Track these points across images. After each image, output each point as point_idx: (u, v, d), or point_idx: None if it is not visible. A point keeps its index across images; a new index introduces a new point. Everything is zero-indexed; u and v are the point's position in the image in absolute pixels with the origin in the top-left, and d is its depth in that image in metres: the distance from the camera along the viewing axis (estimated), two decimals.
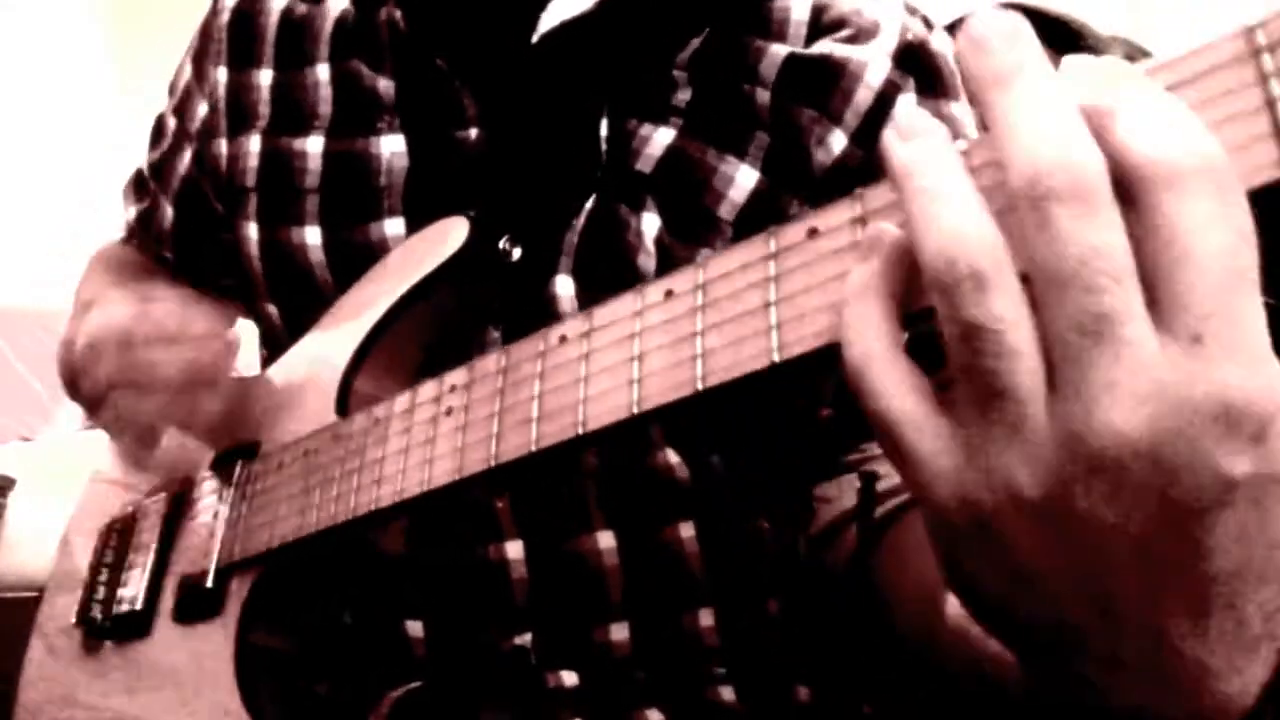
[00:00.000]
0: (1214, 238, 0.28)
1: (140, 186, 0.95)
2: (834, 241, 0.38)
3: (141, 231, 0.95)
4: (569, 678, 0.69)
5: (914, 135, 0.32)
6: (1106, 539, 0.30)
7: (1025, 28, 0.30)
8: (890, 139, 0.33)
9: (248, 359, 0.84)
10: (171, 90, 0.92)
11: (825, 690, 0.74)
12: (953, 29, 1.09)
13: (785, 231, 0.40)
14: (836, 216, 0.38)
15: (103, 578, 0.76)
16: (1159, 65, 0.31)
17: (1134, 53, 1.10)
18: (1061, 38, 1.10)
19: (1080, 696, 0.33)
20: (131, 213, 0.96)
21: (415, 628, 0.69)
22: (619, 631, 0.69)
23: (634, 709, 0.69)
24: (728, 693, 0.71)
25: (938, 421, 0.32)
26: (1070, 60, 0.31)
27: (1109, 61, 0.31)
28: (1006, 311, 0.29)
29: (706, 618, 0.71)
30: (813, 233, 0.39)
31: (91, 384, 0.70)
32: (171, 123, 0.91)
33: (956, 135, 0.69)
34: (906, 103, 0.71)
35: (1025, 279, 0.30)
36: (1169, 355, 0.28)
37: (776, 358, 0.38)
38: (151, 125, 0.94)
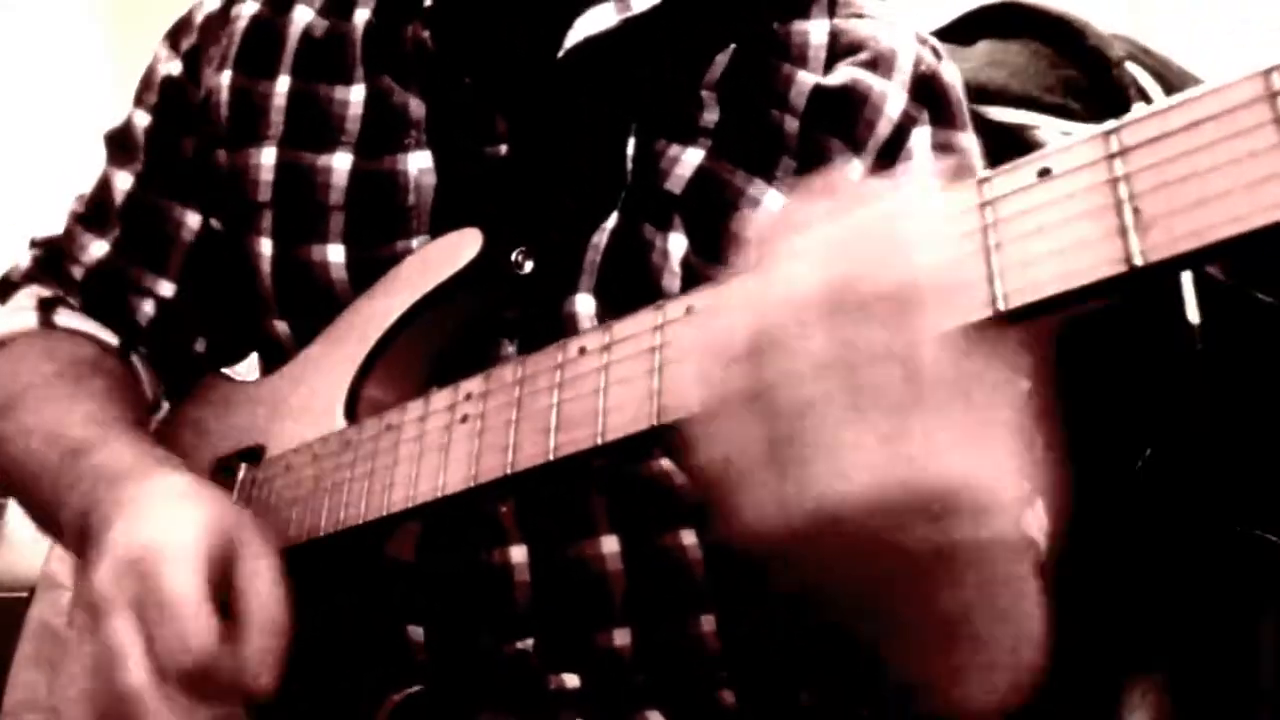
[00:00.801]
0: (931, 345, 0.35)
1: (102, 217, 0.83)
2: None
3: (122, 262, 0.81)
4: (571, 680, 0.70)
5: (765, 234, 0.40)
6: (848, 577, 0.38)
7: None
8: (748, 233, 0.40)
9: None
10: (146, 86, 0.84)
11: (826, 694, 0.76)
12: (949, 32, 1.10)
13: None
14: None
15: None
16: (1181, 101, 0.33)
17: (1135, 51, 1.11)
18: (1063, 37, 1.11)
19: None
20: (100, 249, 0.82)
21: (417, 633, 0.70)
22: (621, 637, 0.70)
23: (635, 710, 0.70)
24: (729, 695, 0.73)
25: (750, 466, 0.38)
26: (877, 184, 0.40)
27: (909, 187, 0.39)
28: (790, 378, 0.36)
29: (709, 623, 0.72)
30: None
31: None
32: (145, 120, 0.82)
33: (965, 165, 0.72)
34: (922, 135, 0.73)
35: None
36: (899, 438, 0.34)
37: None
38: (116, 134, 0.84)
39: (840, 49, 0.74)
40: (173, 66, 0.82)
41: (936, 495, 0.34)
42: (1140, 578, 0.94)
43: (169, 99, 0.82)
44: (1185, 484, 0.93)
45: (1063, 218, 0.35)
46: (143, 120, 0.83)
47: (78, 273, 0.82)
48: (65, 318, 0.82)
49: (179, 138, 0.81)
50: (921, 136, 0.73)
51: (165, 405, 0.84)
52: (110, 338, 0.82)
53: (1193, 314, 0.91)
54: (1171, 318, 0.90)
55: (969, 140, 0.75)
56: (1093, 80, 1.06)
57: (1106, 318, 0.90)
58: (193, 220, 0.81)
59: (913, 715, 0.43)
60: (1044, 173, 0.36)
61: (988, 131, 0.84)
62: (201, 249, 0.80)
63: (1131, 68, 1.11)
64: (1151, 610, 0.93)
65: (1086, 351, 0.90)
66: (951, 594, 0.36)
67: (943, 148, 0.73)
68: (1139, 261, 0.33)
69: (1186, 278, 0.91)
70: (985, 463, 0.35)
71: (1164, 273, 0.33)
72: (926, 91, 0.74)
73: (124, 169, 0.83)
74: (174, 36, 0.84)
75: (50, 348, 0.79)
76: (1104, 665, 0.93)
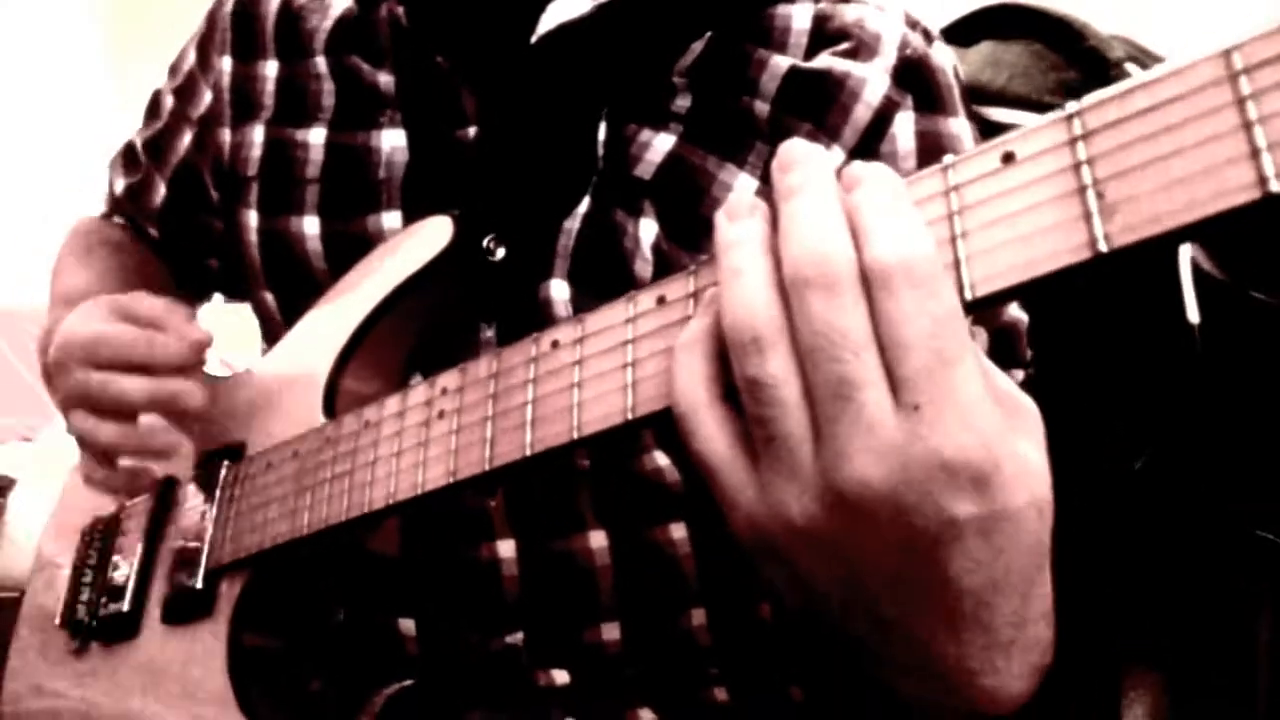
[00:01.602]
0: (916, 325, 0.34)
1: (131, 159, 0.96)
2: None
3: (129, 204, 0.95)
4: (560, 676, 0.70)
5: (738, 217, 0.39)
6: (865, 565, 0.36)
7: (818, 153, 0.38)
8: (720, 220, 0.40)
9: (235, 351, 0.85)
10: (173, 71, 0.92)
11: (816, 690, 0.76)
12: (950, 32, 1.10)
13: None
14: None
15: (87, 578, 0.77)
16: (1143, 83, 0.33)
17: (1135, 52, 1.11)
18: (1063, 38, 1.11)
19: (869, 690, 0.41)
20: (120, 185, 0.96)
21: (407, 626, 0.70)
22: (610, 631, 0.70)
23: (626, 709, 0.70)
24: (721, 693, 0.73)
25: (743, 462, 0.38)
26: (854, 166, 0.38)
27: (879, 169, 0.38)
28: (779, 371, 0.36)
29: (698, 617, 0.72)
30: None
31: (58, 396, 0.74)
32: (169, 101, 0.91)
33: (955, 151, 0.72)
34: (905, 121, 0.72)
35: None
36: (899, 419, 0.34)
37: None
38: (153, 98, 0.95)
39: (825, 34, 0.74)
40: (191, 55, 0.90)
41: (952, 467, 0.34)
42: (1139, 577, 0.93)
43: (183, 91, 0.90)
44: (1185, 484, 0.92)
45: (1026, 204, 0.35)
46: (169, 100, 0.92)
47: (114, 196, 0.98)
48: (119, 215, 0.99)
49: (182, 125, 0.90)
50: (904, 123, 0.72)
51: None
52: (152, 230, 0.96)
53: (1192, 314, 0.90)
54: (1171, 318, 0.90)
55: (959, 126, 0.74)
56: (1092, 82, 1.06)
57: (1105, 317, 0.90)
58: (161, 191, 0.92)
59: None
60: (1007, 158, 0.35)
61: (987, 132, 0.83)
62: (166, 217, 0.93)
63: (1131, 69, 1.11)
64: (1150, 610, 0.93)
65: (1086, 351, 0.90)
66: (966, 566, 0.35)
67: (927, 134, 0.72)
68: (1103, 248, 0.33)
69: (1186, 279, 0.90)
70: (995, 429, 0.35)
71: (1130, 258, 0.32)
72: (912, 76, 0.73)
73: (144, 131, 0.95)
74: (197, 31, 0.91)
75: (97, 228, 0.98)
76: (1102, 664, 0.92)
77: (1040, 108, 1.04)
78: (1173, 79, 0.32)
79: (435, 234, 0.66)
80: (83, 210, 1.02)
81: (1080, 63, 1.10)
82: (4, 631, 0.82)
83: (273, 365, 0.75)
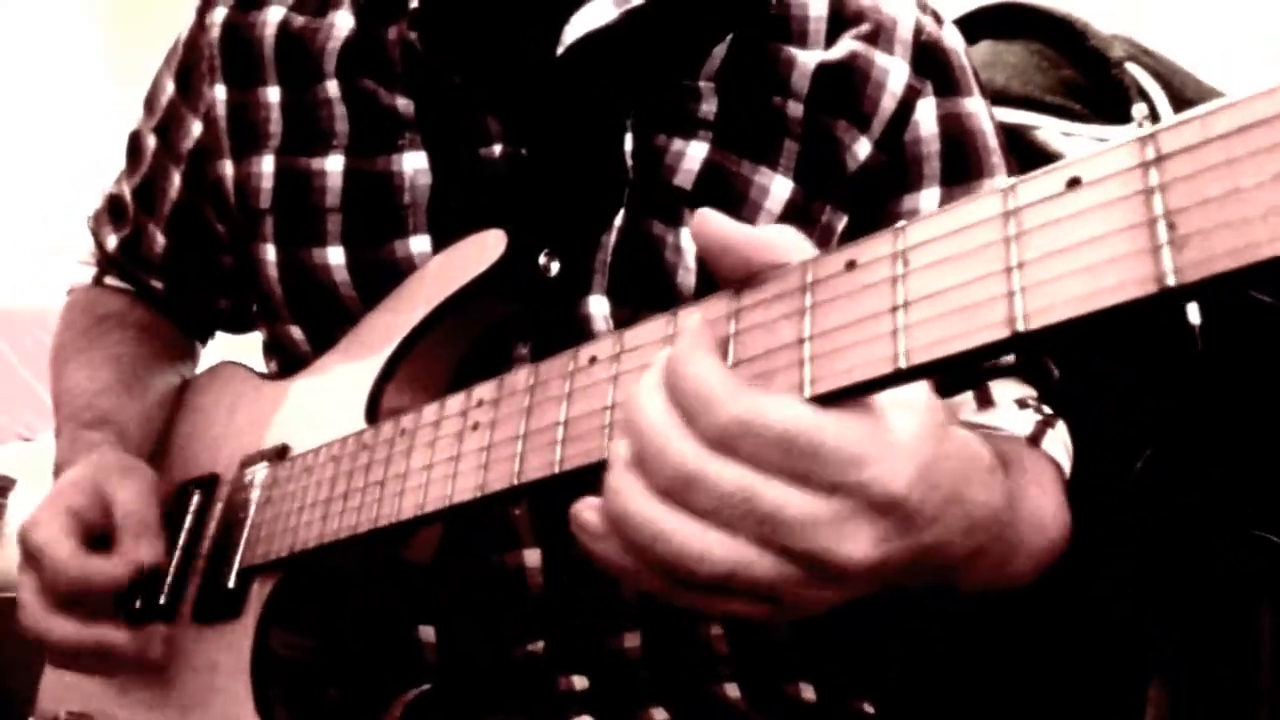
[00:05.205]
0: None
1: (118, 211, 0.87)
2: (872, 275, 0.36)
3: (126, 259, 0.87)
4: (580, 682, 0.67)
5: None
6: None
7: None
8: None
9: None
10: (149, 106, 0.84)
11: (829, 689, 0.73)
12: (962, 24, 1.06)
13: (822, 263, 0.38)
14: (875, 250, 0.36)
15: None
16: (1225, 105, 0.29)
17: (1136, 51, 1.07)
18: (1063, 37, 1.07)
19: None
20: (112, 241, 0.87)
21: (427, 634, 0.68)
22: (631, 640, 0.68)
23: (639, 708, 0.67)
24: (732, 690, 0.70)
25: None
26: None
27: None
28: None
29: (717, 626, 0.69)
30: (850, 265, 0.37)
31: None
32: (151, 141, 0.83)
33: (972, 130, 0.70)
34: (927, 107, 0.70)
35: None
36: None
37: (808, 393, 0.36)
38: (131, 140, 0.86)
39: (842, 18, 0.71)
40: (169, 87, 0.82)
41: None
42: (1139, 578, 0.90)
43: (165, 126, 0.82)
44: (1185, 484, 0.89)
45: (1090, 232, 0.31)
46: (150, 140, 0.84)
47: (105, 252, 0.89)
48: (113, 278, 0.89)
49: (168, 164, 0.82)
50: (926, 109, 0.70)
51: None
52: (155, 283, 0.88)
53: (1193, 315, 0.87)
54: (1171, 319, 0.87)
55: (976, 104, 0.72)
56: (1093, 81, 1.03)
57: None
58: (159, 240, 0.84)
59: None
60: (1073, 182, 0.32)
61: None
62: (168, 264, 0.85)
63: (1132, 68, 1.07)
64: (1151, 610, 0.90)
65: (1087, 351, 0.87)
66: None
67: (949, 118, 0.71)
68: (1171, 282, 0.29)
69: None
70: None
71: (1198, 294, 0.29)
72: (929, 61, 0.71)
73: (129, 179, 0.86)
74: (169, 58, 0.83)
75: (92, 302, 0.88)
76: (1108, 666, 0.89)
77: (1041, 107, 1.01)
78: (1261, 101, 0.28)
79: (488, 248, 0.62)
80: (81, 211, 0.91)
81: (1081, 62, 1.07)
82: (4, 632, 0.79)
83: (322, 373, 0.71)
